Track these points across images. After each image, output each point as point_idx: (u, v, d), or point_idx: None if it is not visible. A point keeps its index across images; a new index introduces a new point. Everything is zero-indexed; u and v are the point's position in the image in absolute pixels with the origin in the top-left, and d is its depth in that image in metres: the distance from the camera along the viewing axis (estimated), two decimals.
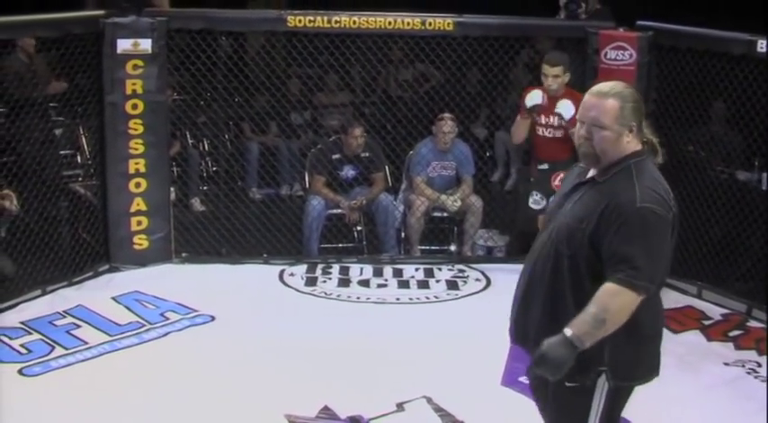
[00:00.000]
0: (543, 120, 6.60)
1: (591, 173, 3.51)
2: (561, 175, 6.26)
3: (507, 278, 7.02)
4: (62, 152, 7.74)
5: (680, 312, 6.49)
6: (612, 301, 3.28)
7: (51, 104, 7.23)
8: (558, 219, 3.49)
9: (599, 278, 3.33)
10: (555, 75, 6.50)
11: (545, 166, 6.64)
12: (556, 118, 6.53)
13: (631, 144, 3.44)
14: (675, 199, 3.46)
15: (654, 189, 3.36)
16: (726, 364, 5.77)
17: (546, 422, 3.74)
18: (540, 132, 6.63)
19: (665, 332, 6.17)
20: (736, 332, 6.20)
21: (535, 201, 6.63)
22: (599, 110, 3.41)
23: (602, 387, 3.50)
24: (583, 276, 3.38)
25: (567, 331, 3.28)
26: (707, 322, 6.39)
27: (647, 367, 3.59)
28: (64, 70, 6.87)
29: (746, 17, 7.01)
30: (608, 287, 3.28)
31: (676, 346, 5.98)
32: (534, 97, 6.50)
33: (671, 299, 6.71)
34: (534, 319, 3.50)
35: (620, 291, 3.27)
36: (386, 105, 8.52)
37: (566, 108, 6.38)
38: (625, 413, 4.98)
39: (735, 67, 6.39)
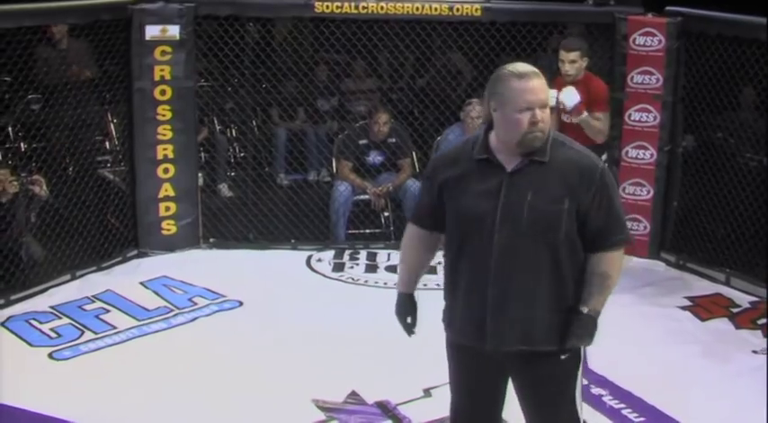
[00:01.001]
0: (560, 96, 6.51)
1: (510, 161, 3.38)
2: None
3: None
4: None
5: (708, 300, 6.46)
6: (616, 267, 3.44)
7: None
8: (516, 213, 3.35)
9: (575, 248, 3.41)
10: (572, 60, 6.40)
11: None
12: None
13: None
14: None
15: (586, 149, 3.48)
16: (754, 351, 5.73)
17: (545, 410, 3.61)
18: (564, 118, 6.57)
19: (693, 319, 6.22)
20: (764, 320, 6.15)
21: None
22: (544, 90, 3.35)
23: (582, 351, 3.56)
24: (563, 259, 3.39)
25: (584, 308, 3.39)
26: (735, 310, 6.35)
27: None
28: (93, 56, 6.90)
29: None
30: (611, 255, 3.41)
31: (704, 334, 5.97)
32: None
33: (699, 286, 6.69)
34: (514, 318, 3.41)
35: (619, 254, 3.44)
36: (413, 91, 8.51)
37: (569, 97, 6.25)
38: (653, 400, 5.03)
39: (765, 53, 6.33)
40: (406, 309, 3.79)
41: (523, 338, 3.43)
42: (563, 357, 3.47)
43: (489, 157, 3.41)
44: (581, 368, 3.57)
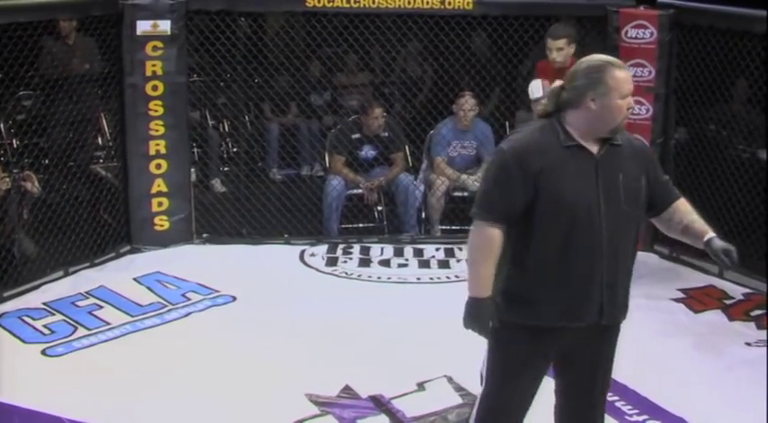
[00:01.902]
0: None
1: (592, 146, 3.53)
2: None
3: None
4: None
5: (701, 292, 6.47)
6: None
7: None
8: (614, 195, 3.52)
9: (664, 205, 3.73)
10: (559, 47, 6.31)
11: None
12: None
13: None
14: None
15: None
16: (747, 343, 5.73)
17: (602, 380, 3.81)
18: None
19: (687, 311, 6.22)
20: (757, 312, 6.16)
21: None
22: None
23: None
24: (638, 232, 3.67)
25: (711, 234, 3.68)
26: (728, 302, 6.35)
27: None
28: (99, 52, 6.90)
29: None
30: (684, 202, 3.75)
31: (697, 326, 5.97)
32: (534, 91, 6.32)
33: (692, 278, 6.70)
34: (621, 292, 3.64)
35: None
36: (406, 85, 8.50)
37: (535, 88, 6.13)
38: (648, 393, 5.03)
39: (757, 46, 6.34)
40: (490, 313, 3.63)
41: (624, 310, 3.68)
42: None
43: (578, 143, 3.53)
44: None
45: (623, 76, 3.52)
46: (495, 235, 3.54)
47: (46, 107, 6.94)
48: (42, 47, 6.76)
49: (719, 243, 3.65)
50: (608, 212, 3.51)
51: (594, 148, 3.53)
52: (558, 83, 3.81)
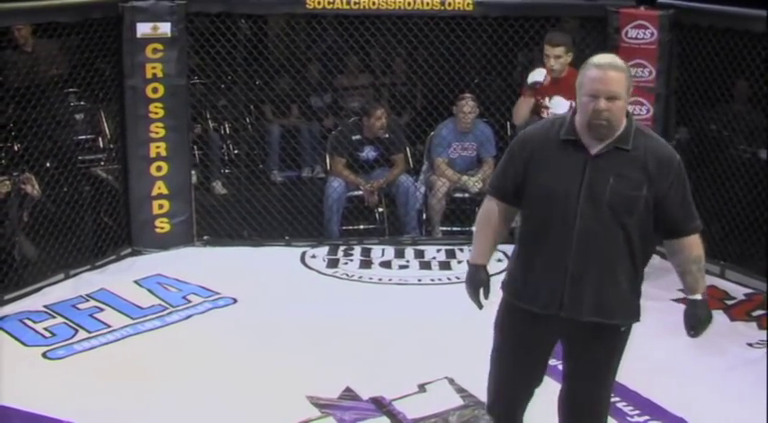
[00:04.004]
0: (547, 101, 6.49)
1: (594, 145, 3.61)
2: None
3: None
4: (84, 137, 7.77)
5: None
6: (701, 250, 3.74)
7: (71, 90, 7.22)
8: (600, 195, 3.58)
9: (648, 233, 3.67)
10: (557, 55, 6.34)
11: None
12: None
13: (625, 110, 3.64)
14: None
15: (664, 140, 3.73)
16: (749, 344, 5.74)
17: (593, 381, 3.87)
18: (544, 114, 6.50)
19: None
20: (759, 312, 6.16)
21: None
22: (615, 83, 3.55)
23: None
24: (635, 241, 3.64)
25: (697, 296, 3.75)
26: (730, 302, 6.36)
27: None
28: (77, 54, 6.86)
29: None
30: (691, 241, 3.71)
31: None
32: (536, 74, 6.35)
33: None
34: (590, 290, 3.66)
35: (698, 238, 3.73)
36: (406, 86, 8.49)
37: (558, 105, 6.22)
38: (649, 393, 5.03)
39: (757, 45, 6.33)
40: (480, 280, 3.89)
41: (596, 310, 3.68)
42: (623, 330, 3.77)
43: (576, 138, 3.63)
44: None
45: (594, 75, 3.55)
46: (491, 208, 3.86)
47: (17, 115, 6.88)
48: (6, 61, 6.71)
49: (693, 314, 3.77)
50: (586, 210, 3.61)
51: (594, 147, 3.61)
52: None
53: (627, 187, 3.58)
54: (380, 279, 6.75)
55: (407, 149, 7.87)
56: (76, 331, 5.81)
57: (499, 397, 4.01)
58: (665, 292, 6.38)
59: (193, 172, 7.48)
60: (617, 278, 3.67)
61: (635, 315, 3.75)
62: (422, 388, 5.09)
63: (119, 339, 5.74)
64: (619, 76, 3.55)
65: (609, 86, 3.53)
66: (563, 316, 3.68)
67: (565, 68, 6.35)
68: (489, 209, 3.86)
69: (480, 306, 3.92)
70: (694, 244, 3.71)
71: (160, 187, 7.05)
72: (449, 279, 6.77)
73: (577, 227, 3.61)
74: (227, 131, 8.93)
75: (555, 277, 3.68)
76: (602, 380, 3.86)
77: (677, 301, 6.28)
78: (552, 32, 6.71)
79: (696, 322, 3.77)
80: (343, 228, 7.65)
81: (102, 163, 7.60)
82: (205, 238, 7.32)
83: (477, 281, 3.88)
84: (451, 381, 5.14)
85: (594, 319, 3.68)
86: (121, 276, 6.67)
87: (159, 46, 6.85)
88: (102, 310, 6.12)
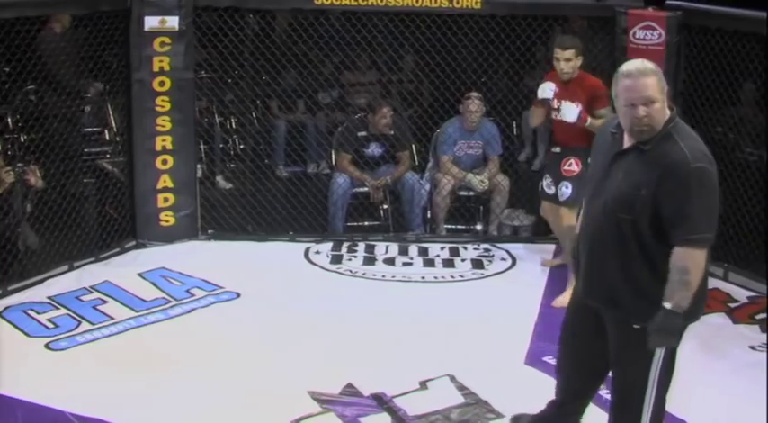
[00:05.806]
0: (556, 104, 6.44)
1: (627, 142, 3.78)
2: (572, 160, 6.22)
3: (532, 258, 7.07)
4: (90, 129, 7.78)
5: None
6: (688, 262, 3.65)
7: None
8: (610, 188, 3.76)
9: (662, 234, 3.68)
10: (567, 58, 6.29)
11: (557, 150, 6.44)
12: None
13: (665, 110, 3.72)
14: None
15: (697, 147, 3.71)
16: (752, 347, 5.73)
17: (619, 371, 4.00)
18: (554, 116, 6.47)
19: None
20: (762, 315, 6.15)
21: (548, 185, 6.46)
22: (648, 88, 3.66)
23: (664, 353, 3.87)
24: (646, 236, 3.70)
25: (666, 304, 3.66)
26: (733, 305, 6.34)
27: (699, 306, 3.88)
28: (91, 48, 6.87)
29: None
30: (679, 251, 3.65)
31: (702, 329, 5.87)
32: (545, 91, 6.31)
33: None
34: (606, 279, 3.84)
35: (690, 251, 3.66)
36: (413, 84, 8.48)
37: (569, 112, 6.18)
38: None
39: (765, 48, 6.32)
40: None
41: (605, 301, 3.87)
42: (636, 327, 3.79)
43: (618, 132, 3.82)
44: (659, 368, 3.86)
45: (627, 84, 3.68)
46: None
47: (42, 103, 6.90)
48: (31, 44, 6.72)
49: (653, 321, 3.69)
50: (597, 202, 3.84)
51: (627, 144, 3.78)
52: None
53: (629, 185, 3.69)
54: (384, 276, 6.75)
55: (413, 147, 7.87)
56: (79, 323, 5.82)
57: (560, 379, 4.33)
58: None
59: (199, 166, 7.48)
60: (623, 273, 3.78)
61: (643, 316, 3.73)
62: (423, 385, 5.09)
63: (121, 331, 5.75)
64: (651, 81, 3.67)
65: (643, 93, 3.65)
66: (585, 299, 3.97)
67: (575, 71, 6.31)
68: None
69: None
70: (682, 254, 3.66)
71: (165, 180, 7.06)
72: (452, 277, 6.77)
73: (589, 217, 3.89)
74: (234, 126, 8.94)
75: (581, 261, 3.95)
76: (625, 368, 3.94)
77: None
78: (562, 36, 6.68)
79: (654, 328, 3.69)
80: (348, 224, 7.65)
81: (108, 155, 7.62)
82: (209, 232, 7.33)
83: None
84: (453, 378, 5.14)
85: (601, 306, 3.91)
86: (125, 269, 6.68)
87: (167, 39, 6.86)
88: (105, 302, 6.12)
